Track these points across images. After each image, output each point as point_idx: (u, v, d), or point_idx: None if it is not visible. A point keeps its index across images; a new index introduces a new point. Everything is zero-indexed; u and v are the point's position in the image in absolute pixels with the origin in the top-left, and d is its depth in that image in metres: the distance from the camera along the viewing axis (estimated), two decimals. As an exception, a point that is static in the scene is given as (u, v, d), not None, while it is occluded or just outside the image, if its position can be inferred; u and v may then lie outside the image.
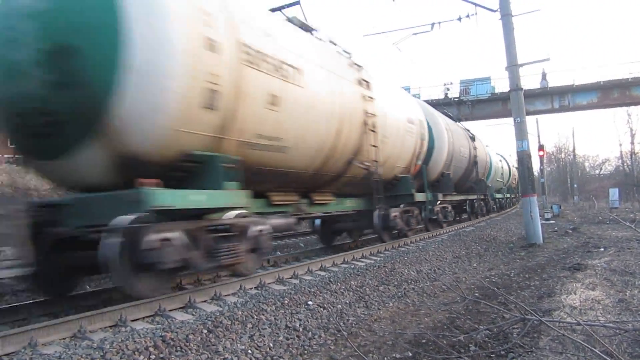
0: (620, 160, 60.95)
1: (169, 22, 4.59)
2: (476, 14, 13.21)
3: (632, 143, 54.38)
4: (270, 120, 5.99)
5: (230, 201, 5.28)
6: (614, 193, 27.13)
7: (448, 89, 35.54)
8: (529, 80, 40.82)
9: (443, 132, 13.67)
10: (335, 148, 7.63)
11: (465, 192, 17.88)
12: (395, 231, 10.35)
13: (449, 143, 14.05)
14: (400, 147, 10.33)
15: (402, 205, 10.53)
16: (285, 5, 8.10)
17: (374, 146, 8.72)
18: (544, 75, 34.53)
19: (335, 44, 8.67)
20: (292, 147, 6.51)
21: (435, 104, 33.65)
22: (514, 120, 11.25)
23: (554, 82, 34.69)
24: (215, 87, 5.02)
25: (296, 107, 6.44)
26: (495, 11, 11.54)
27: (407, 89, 24.44)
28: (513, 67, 11.15)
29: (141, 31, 4.40)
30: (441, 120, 14.18)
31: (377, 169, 8.91)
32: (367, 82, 8.85)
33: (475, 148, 18.27)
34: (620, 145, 59.70)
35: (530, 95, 32.32)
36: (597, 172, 72.75)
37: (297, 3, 8.16)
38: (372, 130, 8.60)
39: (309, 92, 6.74)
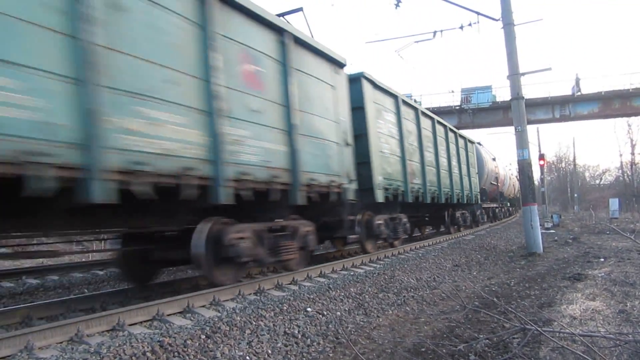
0: (620, 171, 61.09)
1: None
2: (478, 22, 13.25)
3: (633, 154, 54.53)
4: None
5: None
6: (614, 203, 27.08)
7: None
8: (531, 89, 40.97)
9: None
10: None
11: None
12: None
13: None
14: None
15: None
16: (288, 11, 8.14)
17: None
18: (577, 82, 34.15)
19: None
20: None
21: (437, 112, 33.78)
22: (515, 129, 11.24)
23: (555, 91, 34.80)
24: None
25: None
26: (497, 20, 11.57)
27: (409, 96, 24.51)
28: (514, 75, 11.17)
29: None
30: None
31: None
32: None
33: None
34: (621, 155, 59.88)
35: (532, 104, 32.43)
36: (597, 182, 72.76)
37: (300, 10, 8.20)
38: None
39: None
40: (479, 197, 17.84)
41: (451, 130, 15.58)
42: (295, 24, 7.85)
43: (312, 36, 7.76)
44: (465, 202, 16.12)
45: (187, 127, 4.83)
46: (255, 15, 5.97)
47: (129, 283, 6.50)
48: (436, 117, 14.13)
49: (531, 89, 36.91)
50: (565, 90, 37.02)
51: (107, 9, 4.10)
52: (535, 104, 33.43)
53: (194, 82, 4.99)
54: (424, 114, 12.89)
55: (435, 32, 14.46)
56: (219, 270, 5.70)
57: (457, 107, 35.99)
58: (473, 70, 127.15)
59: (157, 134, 4.46)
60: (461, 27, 13.77)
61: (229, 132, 5.35)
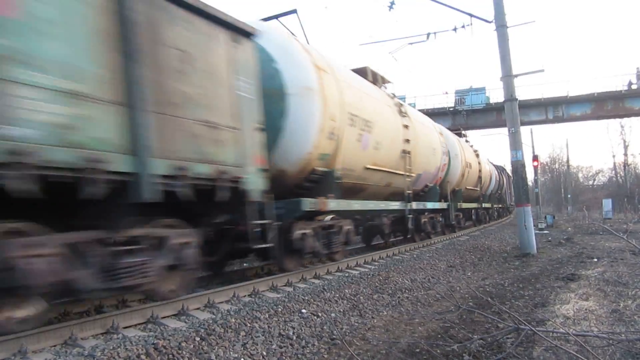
0: (613, 172, 61.46)
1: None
2: (471, 24, 13.26)
3: (625, 154, 54.91)
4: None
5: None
6: (607, 204, 27.28)
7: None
8: (524, 91, 41.12)
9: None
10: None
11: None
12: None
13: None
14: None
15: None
16: (282, 13, 8.15)
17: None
18: (638, 76, 34.13)
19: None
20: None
21: (430, 114, 33.81)
22: (509, 131, 11.30)
23: (548, 93, 34.90)
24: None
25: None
26: (490, 22, 11.63)
27: (403, 99, 24.53)
28: (508, 77, 11.23)
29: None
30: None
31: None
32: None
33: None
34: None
35: (525, 105, 32.56)
36: (590, 183, 73.08)
37: (294, 12, 8.22)
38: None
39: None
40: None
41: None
42: (290, 26, 7.88)
43: (307, 37, 7.79)
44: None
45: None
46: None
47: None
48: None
49: (524, 91, 37.09)
50: (559, 91, 37.25)
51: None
52: (528, 106, 33.56)
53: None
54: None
55: (428, 34, 14.48)
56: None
57: (451, 109, 36.10)
58: (467, 71, 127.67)
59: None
60: (455, 29, 13.81)
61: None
